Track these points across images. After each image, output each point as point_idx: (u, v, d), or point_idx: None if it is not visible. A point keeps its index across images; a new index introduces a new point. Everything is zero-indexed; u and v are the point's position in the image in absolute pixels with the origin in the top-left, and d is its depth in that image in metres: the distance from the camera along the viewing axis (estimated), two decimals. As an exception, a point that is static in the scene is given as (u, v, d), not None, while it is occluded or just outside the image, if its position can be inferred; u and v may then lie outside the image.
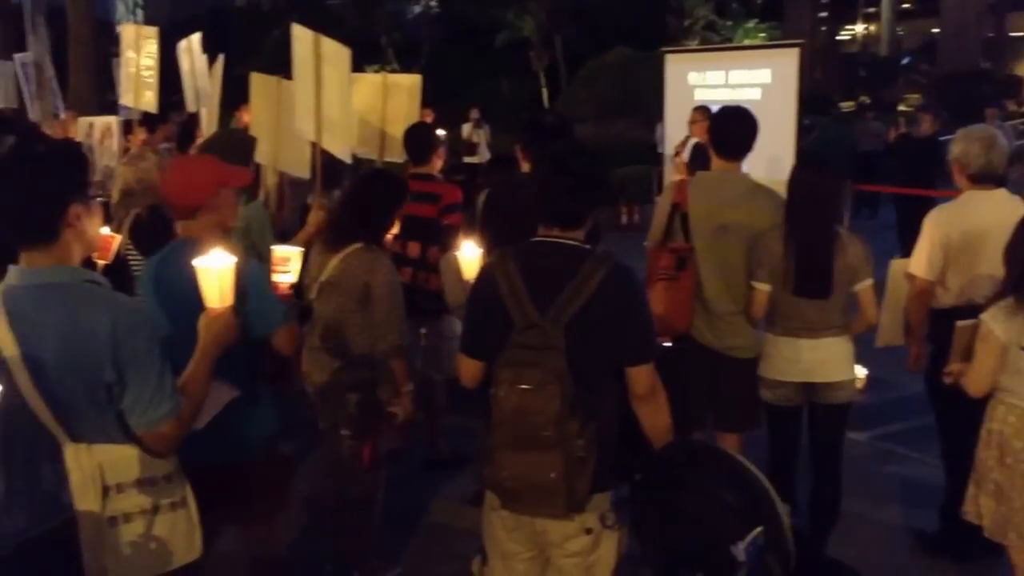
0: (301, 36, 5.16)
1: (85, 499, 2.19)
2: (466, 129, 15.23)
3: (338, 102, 4.97)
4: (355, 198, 3.92)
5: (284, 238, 4.49)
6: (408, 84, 6.00)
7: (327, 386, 3.73)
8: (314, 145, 5.17)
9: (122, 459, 2.25)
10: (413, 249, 4.94)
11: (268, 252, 3.69)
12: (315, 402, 3.84)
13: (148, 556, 2.29)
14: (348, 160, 5.29)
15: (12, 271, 2.24)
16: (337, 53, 4.95)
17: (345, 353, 3.72)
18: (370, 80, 6.31)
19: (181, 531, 2.35)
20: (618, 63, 19.63)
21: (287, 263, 3.49)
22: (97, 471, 2.21)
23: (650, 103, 12.83)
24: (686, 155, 7.79)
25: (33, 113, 11.49)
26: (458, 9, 25.87)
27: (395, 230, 4.37)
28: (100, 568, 2.21)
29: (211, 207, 2.84)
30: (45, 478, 2.20)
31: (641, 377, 2.56)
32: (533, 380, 2.38)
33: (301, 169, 5.73)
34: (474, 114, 15.27)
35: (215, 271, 2.42)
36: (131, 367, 2.18)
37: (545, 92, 22.95)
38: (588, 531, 2.56)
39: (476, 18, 24.25)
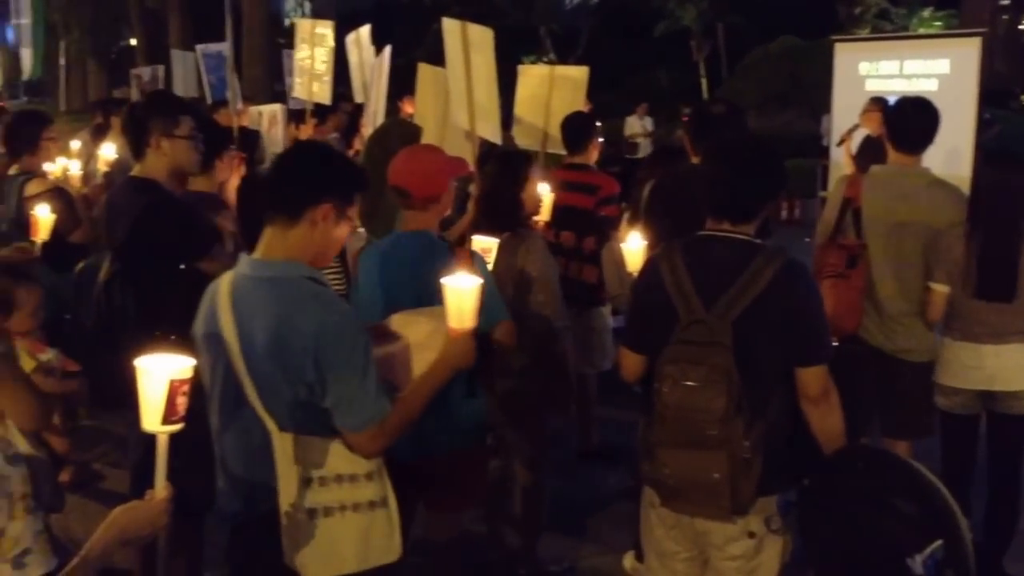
0: (451, 28, 5.24)
1: (287, 488, 2.19)
2: (632, 123, 15.00)
3: (485, 86, 5.01)
4: (487, 188, 3.86)
5: (443, 227, 4.55)
6: (575, 76, 5.98)
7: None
8: (470, 135, 5.23)
9: (325, 453, 2.23)
10: (567, 239, 4.92)
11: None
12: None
13: (344, 552, 2.26)
14: (499, 142, 5.32)
15: (243, 260, 2.32)
16: (482, 37, 4.97)
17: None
18: (536, 72, 6.34)
19: (380, 531, 2.30)
20: (784, 52, 19.06)
21: (488, 254, 3.50)
22: (300, 462, 2.20)
23: (816, 94, 12.37)
24: (853, 147, 7.46)
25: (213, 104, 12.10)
26: (617, -1, 25.71)
27: (546, 216, 4.34)
28: (297, 557, 2.22)
29: (441, 198, 2.90)
30: (256, 462, 2.25)
31: (813, 379, 2.46)
32: (698, 377, 2.33)
33: (467, 159, 5.81)
34: (641, 110, 15.05)
35: (462, 292, 2.36)
36: (332, 370, 2.17)
37: (704, 82, 22.49)
38: (751, 535, 2.48)
39: (635, 7, 24.01)
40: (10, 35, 19.15)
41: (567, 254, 4.90)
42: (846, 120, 7.85)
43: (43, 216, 4.10)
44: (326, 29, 8.09)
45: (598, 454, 5.17)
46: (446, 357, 2.41)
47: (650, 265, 2.64)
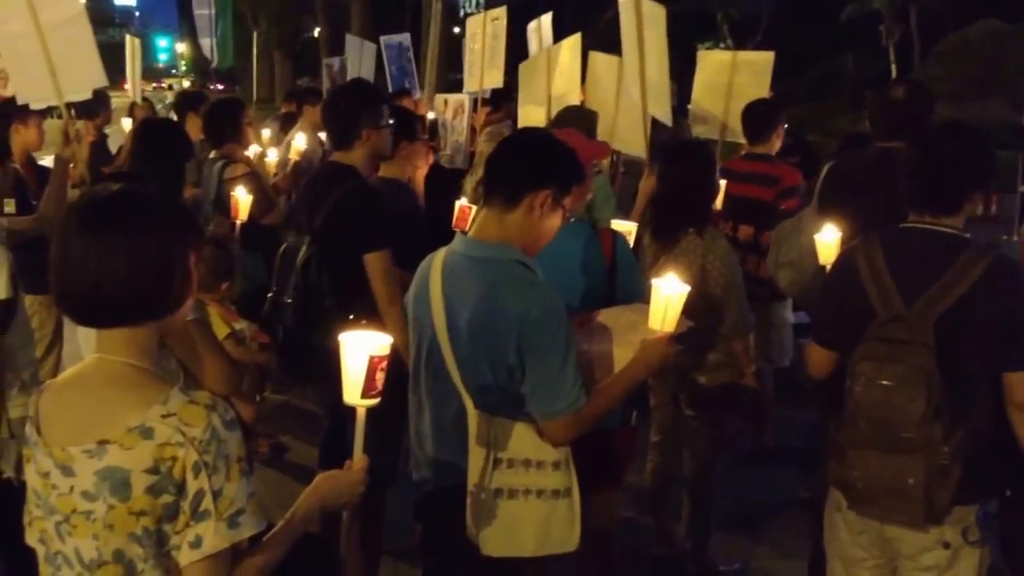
0: (626, 4, 5.17)
1: (477, 465, 2.24)
2: None
3: (657, 64, 4.93)
4: (672, 182, 3.75)
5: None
6: (759, 62, 5.78)
7: (669, 367, 3.69)
8: (645, 115, 5.17)
9: (516, 436, 2.26)
10: (744, 232, 4.78)
11: (607, 225, 3.73)
12: (652, 379, 3.83)
13: (524, 535, 2.28)
14: (669, 123, 5.22)
15: (458, 238, 2.41)
16: (655, 13, 4.89)
17: (687, 334, 3.68)
18: (717, 58, 6.18)
19: (561, 519, 2.30)
20: (983, 37, 17.83)
21: (629, 236, 3.50)
22: (491, 443, 2.24)
23: (1018, 81, 11.48)
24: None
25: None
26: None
27: (718, 205, 4.22)
28: (479, 533, 2.28)
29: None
30: (448, 438, 2.32)
31: (1021, 384, 2.29)
32: (895, 377, 2.22)
33: (637, 148, 5.76)
34: None
35: (670, 296, 2.35)
36: (533, 356, 2.20)
37: (894, 68, 21.33)
38: (946, 545, 2.35)
39: (820, -11, 23.05)
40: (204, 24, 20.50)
41: (745, 248, 4.75)
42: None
43: (243, 198, 4.35)
44: (499, 15, 8.16)
45: (772, 455, 5.02)
46: (643, 358, 2.39)
47: (846, 258, 2.53)
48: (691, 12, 21.56)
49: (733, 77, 5.69)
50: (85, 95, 5.80)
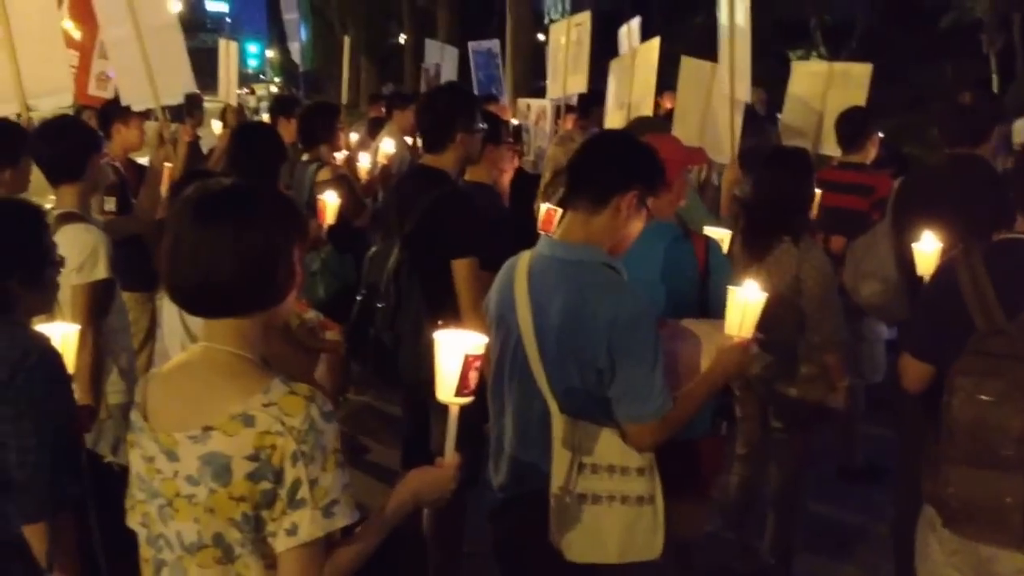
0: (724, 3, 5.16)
1: (560, 470, 2.23)
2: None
3: (741, 46, 4.89)
4: (768, 189, 3.68)
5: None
6: (856, 74, 5.69)
7: (758, 378, 3.66)
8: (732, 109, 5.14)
9: (601, 441, 2.25)
10: (836, 244, 4.66)
11: (698, 230, 3.69)
12: (739, 391, 3.77)
13: (607, 541, 2.28)
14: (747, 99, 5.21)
15: (543, 240, 2.42)
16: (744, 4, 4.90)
17: (777, 345, 3.62)
18: (813, 69, 6.12)
19: (644, 526, 2.30)
20: (1090, 44, 17.00)
21: (722, 244, 3.45)
22: (575, 447, 2.23)
23: None
24: None
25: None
26: (899, -15, 24.05)
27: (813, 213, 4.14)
28: (562, 538, 2.28)
29: (673, 186, 2.88)
30: (531, 441, 2.33)
31: None
32: (995, 391, 2.15)
33: (722, 155, 5.70)
34: None
35: (747, 303, 2.35)
36: (624, 359, 2.19)
37: (995, 78, 20.56)
38: None
39: (920, -5, 22.38)
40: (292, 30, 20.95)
41: (837, 260, 4.64)
42: None
43: (331, 201, 4.44)
44: (583, 20, 8.15)
45: (861, 473, 4.88)
46: (723, 363, 2.38)
47: (945, 269, 2.46)
48: (783, 19, 21.18)
49: (828, 89, 5.59)
50: (178, 99, 6.03)
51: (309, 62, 19.03)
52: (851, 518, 4.52)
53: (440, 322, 2.98)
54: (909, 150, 10.52)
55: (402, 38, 29.38)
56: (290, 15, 18.36)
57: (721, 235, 3.49)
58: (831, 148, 5.33)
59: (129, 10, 5.43)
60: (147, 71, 5.40)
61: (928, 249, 3.01)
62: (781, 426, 3.70)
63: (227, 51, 11.08)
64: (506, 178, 4.60)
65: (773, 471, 3.83)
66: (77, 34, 6.64)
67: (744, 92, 5.09)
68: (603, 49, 8.99)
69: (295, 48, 18.92)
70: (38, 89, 4.68)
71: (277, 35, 40.22)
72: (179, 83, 5.79)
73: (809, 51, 20.15)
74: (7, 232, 2.28)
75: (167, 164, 5.05)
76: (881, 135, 5.25)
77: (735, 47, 4.95)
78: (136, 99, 5.67)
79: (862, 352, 4.70)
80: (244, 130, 4.64)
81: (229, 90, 11.19)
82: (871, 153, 4.94)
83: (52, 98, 4.78)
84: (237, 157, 3.94)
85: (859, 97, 5.51)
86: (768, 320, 3.53)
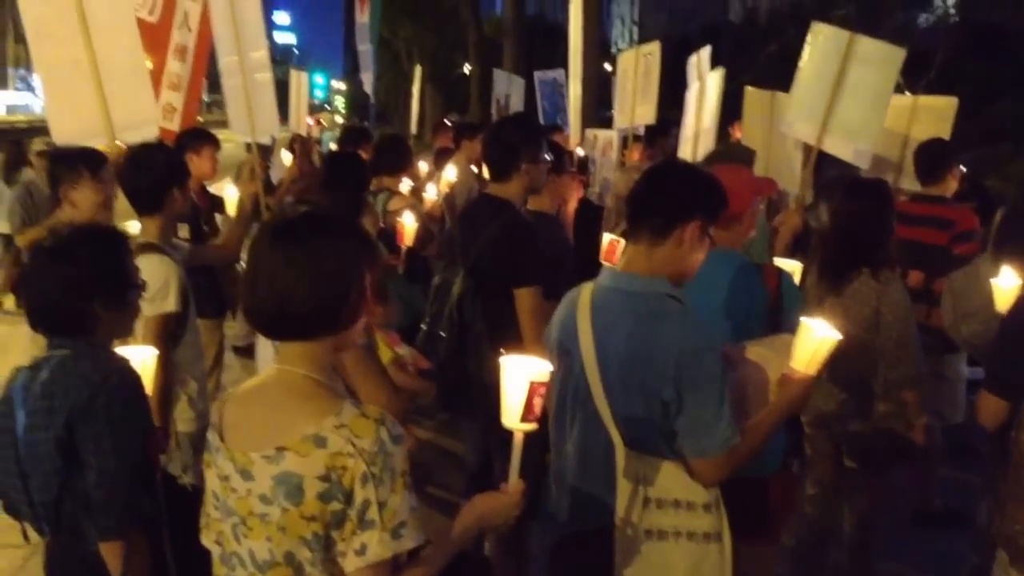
0: (823, 33, 5.05)
1: (625, 505, 2.20)
2: None
3: (869, 104, 4.78)
4: (848, 219, 3.58)
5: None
6: (941, 107, 5.59)
7: (832, 415, 3.57)
8: (808, 150, 5.05)
9: (667, 475, 2.22)
10: (915, 278, 4.56)
11: (763, 261, 3.65)
12: (810, 428, 3.69)
13: None
14: (864, 165, 5.04)
15: (605, 271, 2.41)
16: (884, 53, 4.79)
17: (852, 381, 3.53)
18: (897, 101, 6.00)
19: (712, 564, 2.25)
20: None
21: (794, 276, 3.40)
22: (640, 481, 2.21)
23: None
24: None
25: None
26: (981, 16, 23.50)
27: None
28: (627, 574, 2.23)
29: (742, 218, 2.85)
30: (593, 473, 2.30)
31: None
32: None
33: (791, 183, 5.62)
34: None
35: (822, 340, 2.31)
36: (690, 391, 2.16)
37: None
38: None
39: (1004, 26, 21.84)
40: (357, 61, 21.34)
41: (915, 295, 4.52)
42: None
43: (408, 224, 4.47)
44: (652, 49, 8.13)
45: (938, 518, 4.71)
46: (788, 397, 2.34)
47: (1021, 303, 2.37)
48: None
49: (912, 123, 5.48)
50: (266, 139, 6.24)
51: (381, 93, 19.34)
52: (927, 563, 4.35)
53: (503, 350, 2.99)
54: (989, 183, 10.23)
55: (467, 67, 29.73)
56: (363, 46, 18.71)
57: (792, 267, 3.44)
58: (912, 182, 5.22)
59: (236, 46, 5.65)
60: (247, 107, 5.59)
61: (1007, 284, 2.91)
62: (855, 466, 3.59)
63: (298, 82, 11.29)
64: (570, 208, 4.60)
65: (846, 513, 3.71)
66: (148, 65, 6.88)
67: (858, 156, 5.01)
68: (671, 77, 8.96)
69: (367, 79, 19.26)
70: (126, 122, 4.85)
71: (351, 66, 40.99)
72: (270, 125, 6.05)
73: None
74: (91, 256, 2.32)
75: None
76: (963, 168, 5.11)
77: (843, 101, 4.88)
78: (239, 129, 5.88)
79: (942, 391, 4.57)
80: (335, 158, 4.75)
81: (299, 121, 11.39)
82: (951, 186, 4.83)
83: (139, 131, 4.94)
84: (329, 183, 4.00)
85: (944, 130, 5.40)
86: (844, 355, 3.46)
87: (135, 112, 4.95)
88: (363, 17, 19.08)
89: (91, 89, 4.69)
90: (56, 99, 4.89)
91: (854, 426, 3.52)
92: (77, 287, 2.25)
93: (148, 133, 5.26)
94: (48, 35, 4.91)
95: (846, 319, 3.46)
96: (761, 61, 20.46)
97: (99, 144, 4.65)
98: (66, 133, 4.79)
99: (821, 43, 5.03)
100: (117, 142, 4.64)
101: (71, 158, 3.91)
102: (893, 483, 3.73)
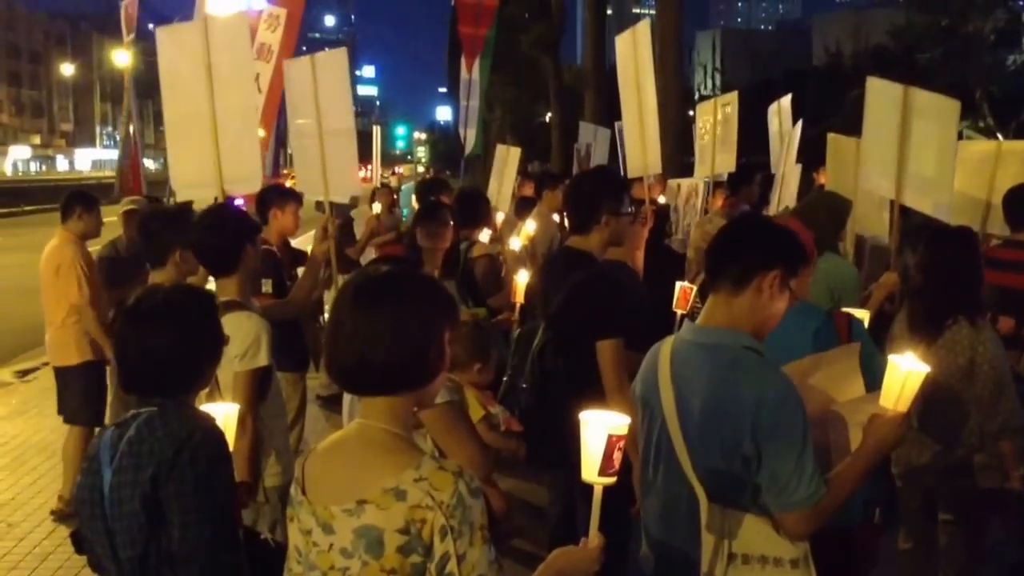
0: (879, 89, 5.02)
1: (710, 559, 2.17)
2: None
3: (935, 157, 4.72)
4: (938, 268, 3.50)
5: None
6: None
7: (925, 467, 3.47)
8: (893, 203, 5.00)
9: (752, 530, 2.18)
10: (1006, 325, 4.41)
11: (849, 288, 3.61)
12: (902, 481, 3.61)
13: None
14: (945, 218, 4.95)
15: (686, 326, 2.42)
16: (939, 106, 4.72)
17: (946, 432, 3.44)
18: (979, 148, 5.93)
19: None
20: None
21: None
22: (725, 536, 2.17)
23: None
24: None
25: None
26: (1073, 56, 22.79)
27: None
28: None
29: (810, 266, 2.83)
30: (677, 527, 2.28)
31: None
32: None
33: (879, 230, 5.53)
34: None
35: (908, 374, 2.24)
36: (770, 444, 2.13)
37: None
38: None
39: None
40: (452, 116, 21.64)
41: (1005, 342, 4.37)
42: None
43: (521, 280, 4.50)
44: (730, 100, 8.16)
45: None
46: (877, 437, 2.26)
47: None
48: (947, 89, 20.38)
49: (996, 168, 5.38)
50: (344, 199, 6.42)
51: (477, 146, 19.57)
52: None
53: (584, 402, 3.01)
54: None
55: (547, 116, 30.02)
56: (469, 102, 18.93)
57: (861, 314, 3.36)
58: (999, 227, 5.09)
59: (315, 109, 5.86)
60: (322, 167, 5.78)
61: None
62: (951, 519, 3.48)
63: (377, 135, 11.61)
64: (639, 255, 4.60)
65: (942, 568, 3.58)
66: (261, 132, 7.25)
67: (935, 207, 4.94)
68: (756, 123, 8.93)
69: (468, 134, 19.43)
70: (235, 176, 5.04)
71: (441, 121, 41.50)
72: (348, 185, 6.21)
73: (975, 121, 19.24)
74: (192, 319, 2.32)
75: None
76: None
77: (912, 156, 4.84)
78: (310, 189, 6.07)
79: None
80: (428, 211, 4.84)
81: (376, 172, 11.70)
82: (1041, 232, 4.69)
83: (245, 183, 5.11)
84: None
85: None
86: (937, 404, 3.40)
87: (243, 166, 5.16)
88: (470, 74, 19.38)
89: (208, 141, 4.91)
90: (178, 149, 5.13)
91: (949, 478, 3.42)
92: (178, 350, 2.26)
93: (252, 187, 5.49)
94: (178, 87, 5.19)
95: (939, 369, 3.38)
96: (846, 105, 20.14)
97: (208, 196, 4.85)
98: (181, 180, 5.00)
99: (879, 98, 5.00)
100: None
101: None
102: (991, 536, 3.58)
